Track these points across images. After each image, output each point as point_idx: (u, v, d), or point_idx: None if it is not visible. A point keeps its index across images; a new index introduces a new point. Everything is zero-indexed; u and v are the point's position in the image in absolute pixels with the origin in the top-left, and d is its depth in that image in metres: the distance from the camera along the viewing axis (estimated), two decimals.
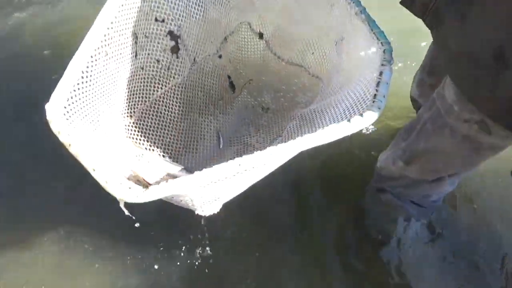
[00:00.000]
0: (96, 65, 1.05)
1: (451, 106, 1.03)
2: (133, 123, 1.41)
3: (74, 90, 0.98)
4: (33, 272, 1.50)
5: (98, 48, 1.04)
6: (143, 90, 1.39)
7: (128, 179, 0.99)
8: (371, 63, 1.12)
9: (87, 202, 1.61)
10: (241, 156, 1.49)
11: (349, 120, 0.98)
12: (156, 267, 1.56)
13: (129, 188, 0.88)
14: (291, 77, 1.64)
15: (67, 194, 1.65)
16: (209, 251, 1.54)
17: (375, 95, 1.02)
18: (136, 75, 1.34)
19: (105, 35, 1.06)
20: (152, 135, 1.44)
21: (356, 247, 1.53)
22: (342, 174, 1.67)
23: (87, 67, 1.01)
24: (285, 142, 1.37)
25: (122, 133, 1.37)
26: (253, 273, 1.49)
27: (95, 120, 1.11)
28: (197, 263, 1.54)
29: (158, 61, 1.37)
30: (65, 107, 0.95)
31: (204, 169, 0.90)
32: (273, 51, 1.61)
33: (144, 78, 1.37)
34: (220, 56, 1.55)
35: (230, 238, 1.56)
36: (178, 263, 1.55)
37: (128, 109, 1.38)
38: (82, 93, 1.02)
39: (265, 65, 1.66)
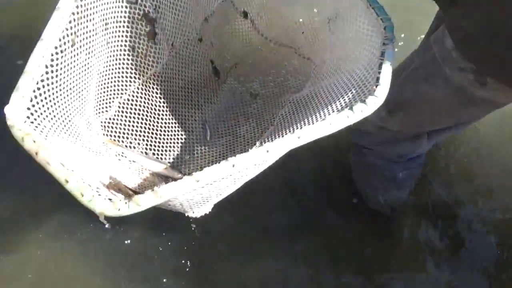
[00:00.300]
0: (62, 57, 0.92)
1: (449, 52, 0.99)
2: (110, 119, 1.29)
3: (39, 88, 0.86)
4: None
5: (64, 37, 0.92)
6: (118, 81, 1.27)
7: (108, 187, 0.89)
8: (370, 42, 1.03)
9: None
10: (231, 148, 1.43)
11: (351, 108, 0.90)
12: (146, 269, 1.49)
13: (110, 200, 0.78)
14: (280, 59, 1.54)
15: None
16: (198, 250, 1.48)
17: (377, 78, 0.94)
18: (110, 66, 1.22)
19: (70, 22, 0.93)
20: (132, 130, 1.33)
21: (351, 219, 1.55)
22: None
23: (52, 60, 0.89)
24: (278, 131, 1.30)
25: (98, 131, 1.25)
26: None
27: (66, 121, 0.99)
28: (188, 262, 1.48)
29: (133, 48, 1.25)
30: (28, 109, 0.84)
31: (193, 173, 0.80)
32: (259, 32, 1.50)
33: (119, 68, 1.25)
34: (200, 40, 1.42)
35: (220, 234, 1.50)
36: (169, 262, 1.48)
37: (103, 104, 1.26)
38: (48, 90, 0.90)
39: (251, 47, 1.55)
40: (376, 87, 0.92)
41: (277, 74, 1.55)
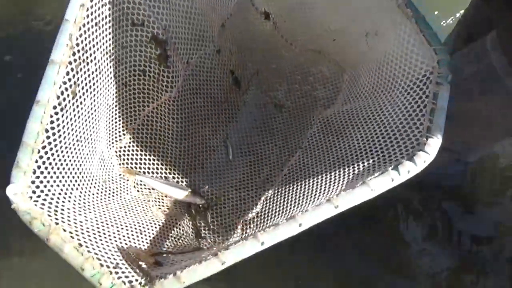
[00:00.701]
0: (64, 114, 0.83)
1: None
2: (125, 147, 1.21)
3: (41, 157, 0.78)
4: None
5: (63, 93, 0.81)
6: (130, 108, 1.17)
7: (127, 260, 0.82)
8: (419, 76, 0.87)
9: None
10: (256, 170, 1.32)
11: (396, 168, 0.77)
12: None
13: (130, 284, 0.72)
14: (307, 64, 1.38)
15: None
16: None
17: (428, 127, 0.80)
18: (120, 94, 1.11)
19: (68, 73, 0.81)
20: (149, 156, 1.25)
21: None
22: None
23: (52, 122, 0.79)
24: (307, 159, 1.18)
25: (114, 162, 1.17)
26: None
27: (77, 173, 0.91)
28: None
29: (143, 72, 1.13)
30: (33, 182, 0.76)
31: (219, 253, 0.72)
32: (283, 36, 1.33)
33: (130, 94, 1.14)
34: (218, 51, 1.27)
35: None
36: None
37: (116, 133, 1.17)
38: (52, 155, 0.81)
39: (274, 52, 1.38)
40: (427, 139, 0.78)
41: (304, 81, 1.39)
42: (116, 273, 0.76)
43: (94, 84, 0.93)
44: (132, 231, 0.98)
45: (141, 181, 1.23)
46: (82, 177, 0.95)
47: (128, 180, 1.20)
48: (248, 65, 1.40)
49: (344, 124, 1.11)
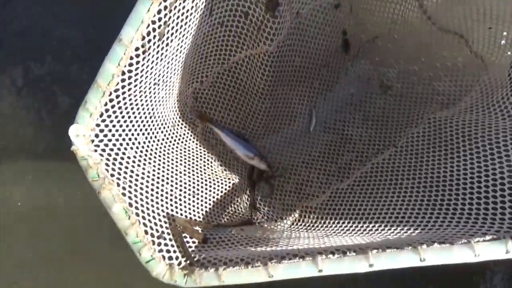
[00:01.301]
0: (146, 58, 0.72)
1: None
2: (204, 89, 1.11)
3: (111, 100, 0.70)
4: None
5: (149, 33, 0.70)
6: (221, 50, 1.04)
7: (172, 230, 0.77)
8: None
9: None
10: (335, 152, 1.16)
11: None
12: None
13: (170, 264, 0.68)
14: (439, 46, 1.10)
15: None
16: None
17: None
18: (213, 34, 0.98)
19: (159, 12, 0.69)
20: (226, 106, 1.14)
21: None
22: None
23: (131, 64, 0.70)
24: (399, 159, 0.99)
25: (188, 103, 1.09)
26: None
27: (147, 118, 0.84)
28: None
29: (246, 15, 0.96)
30: (98, 125, 0.70)
31: (269, 264, 0.64)
32: (422, 5, 1.05)
33: (225, 36, 1.00)
34: (337, 5, 1.05)
35: None
36: None
37: (199, 74, 1.06)
38: (124, 99, 0.74)
39: (404, 21, 1.12)
40: None
41: (428, 65, 1.13)
42: (159, 244, 0.71)
43: (186, 23, 0.80)
44: (185, 192, 0.92)
45: (211, 129, 1.15)
46: (152, 120, 0.88)
47: (198, 126, 1.12)
48: (367, 28, 1.16)
49: (461, 138, 0.89)
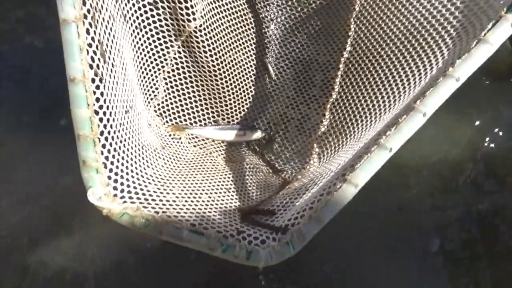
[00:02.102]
0: (105, 85, 0.64)
1: None
2: (162, 102, 1.04)
3: (104, 145, 0.62)
4: None
5: (93, 59, 0.62)
6: (154, 53, 0.97)
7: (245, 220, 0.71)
8: None
9: None
10: (305, 77, 1.15)
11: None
12: None
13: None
14: None
15: None
16: None
17: None
18: (138, 40, 0.90)
19: (88, 31, 0.61)
20: (190, 103, 1.09)
21: None
22: None
23: (98, 99, 0.62)
24: (363, 40, 1.00)
25: (158, 123, 1.01)
26: None
27: (140, 151, 0.76)
28: None
29: (155, 2, 0.90)
30: (109, 178, 0.61)
31: (349, 176, 0.61)
32: None
33: (149, 38, 0.93)
34: None
35: None
36: None
37: (149, 89, 0.99)
38: (113, 138, 0.66)
39: None
40: None
41: None
42: (244, 238, 0.65)
43: (114, 36, 0.72)
44: (221, 191, 0.86)
45: (191, 134, 1.08)
46: (145, 152, 0.80)
47: (180, 138, 1.05)
48: None
49: None
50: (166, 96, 1.03)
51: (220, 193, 0.85)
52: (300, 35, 1.20)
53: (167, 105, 1.04)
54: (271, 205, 0.81)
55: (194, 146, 1.07)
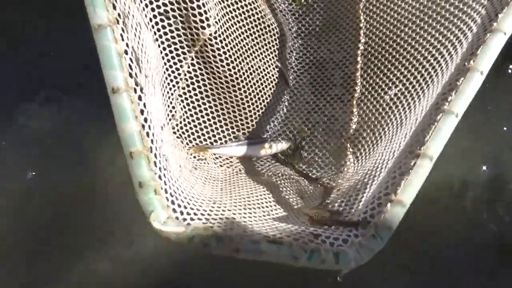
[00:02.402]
0: (146, 94, 0.61)
1: None
2: (180, 122, 1.00)
3: (155, 163, 0.58)
4: None
5: (131, 66, 0.59)
6: (170, 65, 0.94)
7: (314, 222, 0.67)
8: None
9: None
10: (323, 78, 1.15)
11: None
12: None
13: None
14: None
15: None
16: None
17: None
18: (157, 51, 0.87)
19: (122, 36, 0.59)
20: (208, 119, 1.05)
21: None
22: None
23: (142, 111, 0.58)
24: (377, 28, 1.01)
25: (179, 146, 0.97)
26: None
27: (180, 172, 0.72)
28: None
29: (166, 12, 0.88)
30: (167, 199, 0.57)
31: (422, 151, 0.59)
32: None
33: (165, 47, 0.91)
34: None
35: None
36: None
37: (167, 107, 0.95)
38: (159, 150, 0.61)
39: None
40: None
41: None
42: (324, 241, 0.60)
43: (143, 45, 0.69)
44: (271, 203, 0.82)
45: (214, 154, 1.04)
46: (184, 172, 0.76)
47: (205, 159, 1.01)
48: None
49: None
50: (183, 115, 1.00)
51: (271, 205, 0.81)
52: (310, 37, 1.20)
53: (185, 125, 1.00)
54: (331, 207, 0.78)
55: (221, 165, 1.03)
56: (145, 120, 0.58)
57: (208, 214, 0.63)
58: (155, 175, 0.55)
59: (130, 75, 0.57)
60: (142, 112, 0.57)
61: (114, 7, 0.58)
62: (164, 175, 0.59)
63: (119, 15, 0.58)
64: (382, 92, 1.03)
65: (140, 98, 0.57)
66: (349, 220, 0.65)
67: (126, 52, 0.57)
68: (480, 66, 0.66)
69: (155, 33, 0.86)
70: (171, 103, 0.96)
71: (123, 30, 0.58)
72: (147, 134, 0.57)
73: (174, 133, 0.98)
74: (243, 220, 0.66)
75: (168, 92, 0.94)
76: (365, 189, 0.77)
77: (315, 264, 0.56)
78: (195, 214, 0.60)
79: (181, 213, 0.58)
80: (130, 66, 0.57)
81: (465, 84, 0.65)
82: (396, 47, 1.02)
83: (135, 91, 0.57)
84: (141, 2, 0.82)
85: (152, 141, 0.58)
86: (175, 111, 0.97)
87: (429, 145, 0.61)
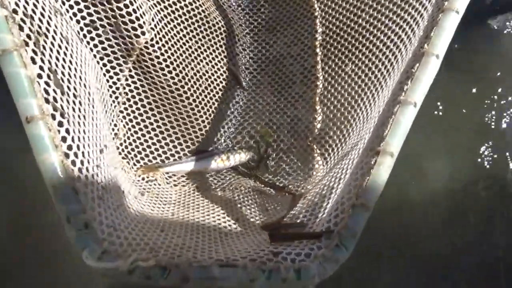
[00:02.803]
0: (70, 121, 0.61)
1: None
2: (124, 140, 1.00)
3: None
4: None
5: (47, 91, 0.59)
6: (107, 80, 0.94)
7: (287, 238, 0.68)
8: None
9: None
10: (281, 76, 1.17)
11: None
12: None
13: None
14: None
15: None
16: None
17: None
18: (91, 65, 0.87)
19: (34, 59, 0.59)
20: (156, 134, 1.06)
21: None
22: None
23: (71, 148, 0.59)
24: (333, 22, 1.04)
25: (126, 168, 0.97)
26: None
27: (126, 206, 0.72)
28: None
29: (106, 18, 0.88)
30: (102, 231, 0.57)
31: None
32: None
33: (100, 59, 0.91)
34: None
35: None
36: None
37: (109, 127, 0.95)
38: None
39: None
40: None
41: None
42: (285, 259, 0.61)
43: (71, 62, 0.69)
44: (229, 223, 0.83)
45: (167, 173, 1.04)
46: (128, 199, 0.76)
47: (155, 179, 1.01)
48: None
49: None
50: (127, 133, 1.00)
51: (229, 224, 0.82)
52: (264, 32, 1.22)
53: (130, 143, 1.01)
54: (295, 219, 0.79)
55: (175, 185, 1.03)
56: (69, 147, 0.58)
57: (154, 243, 0.63)
58: (85, 207, 0.55)
59: (47, 100, 0.57)
60: (64, 139, 0.57)
61: (22, 29, 0.58)
62: (99, 205, 0.60)
63: (28, 36, 0.58)
64: (345, 85, 1.05)
65: (60, 124, 0.57)
66: (313, 231, 0.67)
67: (39, 76, 0.57)
68: (435, 49, 0.67)
69: (88, 43, 0.86)
70: (112, 120, 0.96)
71: (34, 52, 0.58)
72: (73, 163, 0.57)
73: (120, 153, 0.98)
74: (194, 245, 0.66)
75: (109, 109, 0.94)
76: (330, 195, 0.78)
77: (276, 284, 0.57)
78: (137, 244, 0.61)
79: (121, 244, 0.58)
80: (46, 90, 0.57)
81: (420, 70, 0.67)
82: (354, 35, 1.04)
83: (54, 117, 0.57)
84: (67, 12, 0.83)
85: (80, 169, 0.58)
86: (118, 129, 0.97)
87: (388, 141, 0.63)
